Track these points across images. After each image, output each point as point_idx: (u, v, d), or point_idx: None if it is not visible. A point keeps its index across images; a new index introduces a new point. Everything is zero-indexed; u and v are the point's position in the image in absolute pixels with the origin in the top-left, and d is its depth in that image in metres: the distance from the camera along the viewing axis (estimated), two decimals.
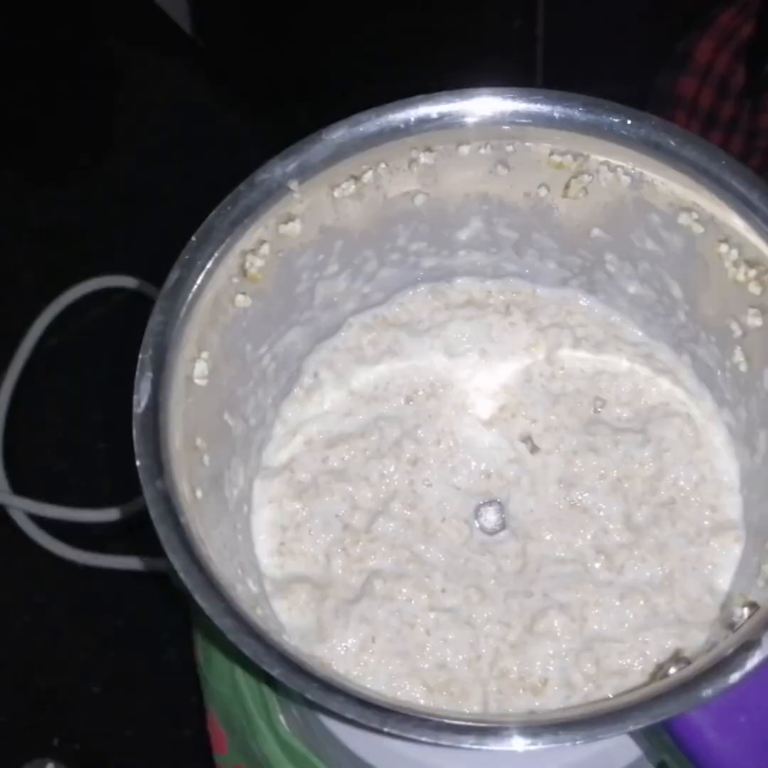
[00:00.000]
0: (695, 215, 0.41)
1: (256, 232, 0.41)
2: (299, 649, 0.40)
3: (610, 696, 0.40)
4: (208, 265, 0.40)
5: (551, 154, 0.42)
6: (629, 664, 0.41)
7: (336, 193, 0.42)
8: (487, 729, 0.33)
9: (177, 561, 0.35)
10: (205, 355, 0.40)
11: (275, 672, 0.34)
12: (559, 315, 0.48)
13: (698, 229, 0.41)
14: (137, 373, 0.38)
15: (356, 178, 0.42)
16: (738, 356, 0.43)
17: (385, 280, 0.47)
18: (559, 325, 0.48)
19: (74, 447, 0.70)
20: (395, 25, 1.02)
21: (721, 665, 0.34)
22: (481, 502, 0.45)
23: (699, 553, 0.43)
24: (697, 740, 0.35)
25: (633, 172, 0.42)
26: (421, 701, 0.41)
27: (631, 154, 0.41)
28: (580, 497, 0.45)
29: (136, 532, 0.66)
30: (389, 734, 0.33)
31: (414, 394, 0.47)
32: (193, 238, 0.40)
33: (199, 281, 0.40)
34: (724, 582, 0.43)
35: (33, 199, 0.81)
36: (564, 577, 0.43)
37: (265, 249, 0.42)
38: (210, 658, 0.49)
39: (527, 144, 0.42)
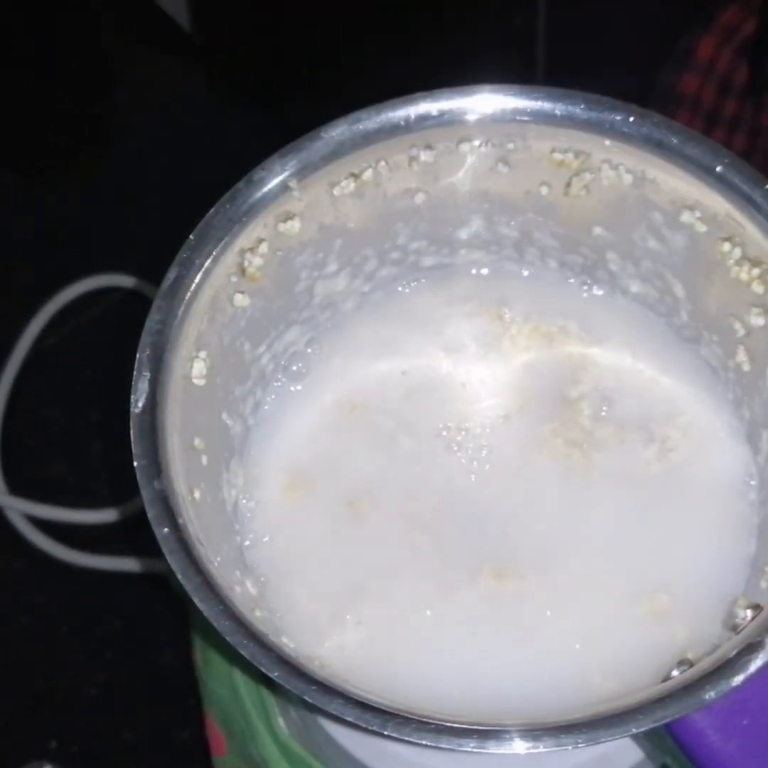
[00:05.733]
0: (698, 213, 0.41)
1: (254, 231, 0.41)
2: (298, 650, 0.40)
3: None
4: (207, 264, 0.40)
5: (552, 151, 0.42)
6: None
7: (335, 191, 0.42)
8: (488, 732, 0.33)
9: (175, 562, 0.35)
10: (203, 354, 0.40)
11: (274, 674, 0.34)
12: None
13: (701, 227, 0.41)
14: (135, 373, 0.37)
15: (356, 176, 0.42)
16: (741, 356, 0.42)
17: (384, 278, 0.47)
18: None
19: (71, 447, 0.70)
20: (395, 22, 1.02)
21: (724, 667, 0.34)
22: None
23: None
24: (699, 743, 0.35)
25: (635, 169, 0.41)
26: None
27: (633, 152, 0.41)
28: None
29: (133, 534, 0.66)
30: (389, 737, 0.33)
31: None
32: (191, 237, 0.40)
33: (197, 280, 0.39)
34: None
35: (31, 197, 0.81)
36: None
37: (263, 247, 0.41)
38: (208, 660, 0.49)
39: (528, 142, 0.42)
